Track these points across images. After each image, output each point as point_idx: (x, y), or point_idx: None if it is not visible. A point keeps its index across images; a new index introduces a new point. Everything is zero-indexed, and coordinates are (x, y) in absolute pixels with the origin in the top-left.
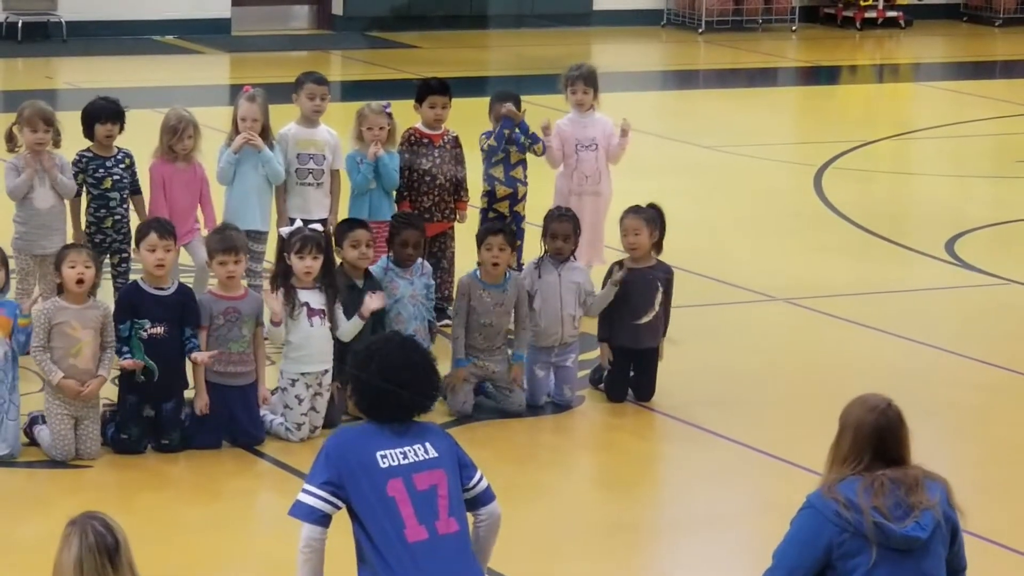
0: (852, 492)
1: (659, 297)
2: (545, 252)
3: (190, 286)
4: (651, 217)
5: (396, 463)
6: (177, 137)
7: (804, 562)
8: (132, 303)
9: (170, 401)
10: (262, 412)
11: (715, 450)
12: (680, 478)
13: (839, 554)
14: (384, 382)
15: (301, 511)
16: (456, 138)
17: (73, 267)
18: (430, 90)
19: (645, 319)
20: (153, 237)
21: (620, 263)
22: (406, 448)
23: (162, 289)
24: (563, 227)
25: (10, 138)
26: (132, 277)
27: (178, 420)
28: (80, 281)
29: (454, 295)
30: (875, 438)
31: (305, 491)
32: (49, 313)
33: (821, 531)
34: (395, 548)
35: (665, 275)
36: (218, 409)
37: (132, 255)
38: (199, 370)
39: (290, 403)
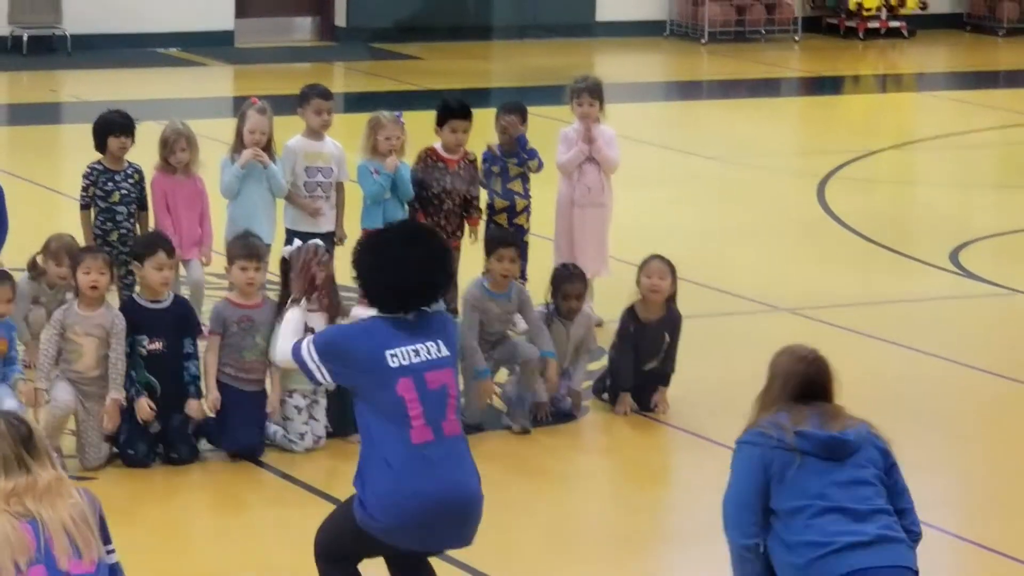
0: (772, 418)
1: (664, 346)
2: (551, 306)
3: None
4: (672, 267)
5: (408, 361)
6: (169, 149)
7: (751, 492)
8: (130, 319)
9: (176, 415)
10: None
11: (720, 460)
12: (685, 488)
13: (774, 474)
14: (389, 273)
15: (300, 358)
16: (472, 162)
17: (88, 273)
18: (452, 113)
19: (650, 366)
20: (162, 256)
21: (632, 311)
22: (418, 345)
23: (158, 302)
24: (575, 288)
25: (33, 267)
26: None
27: (186, 434)
28: (94, 287)
29: (459, 308)
30: (804, 386)
31: (311, 356)
32: (61, 319)
33: (752, 455)
34: (399, 450)
35: (671, 325)
36: (231, 408)
37: (136, 272)
38: (211, 371)
39: (289, 414)
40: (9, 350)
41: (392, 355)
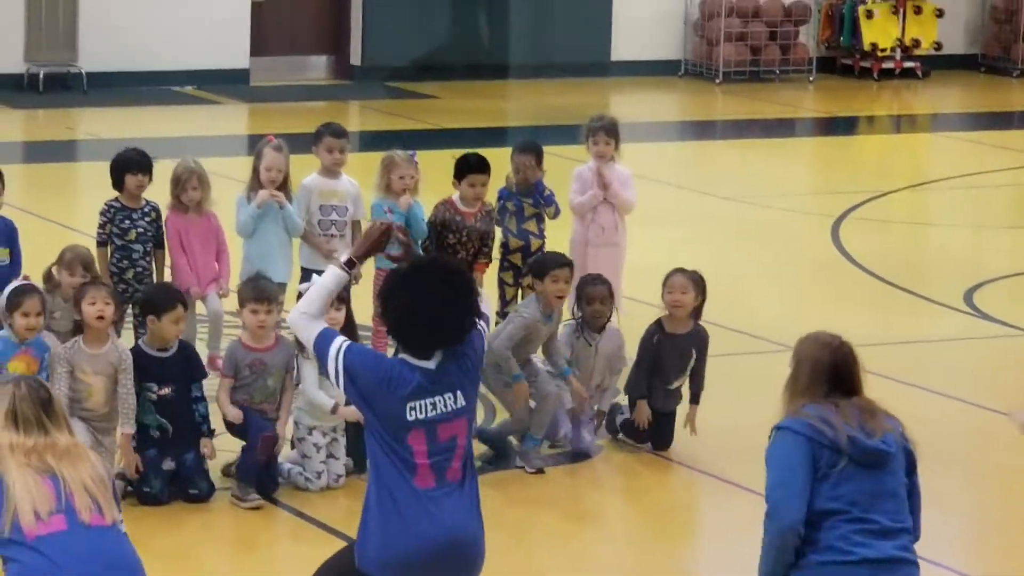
0: (820, 412)
1: (690, 364)
2: (580, 318)
3: (191, 340)
4: (697, 280)
5: (424, 415)
6: (181, 187)
7: (803, 481)
8: (139, 367)
9: (190, 452)
10: (279, 461)
11: (735, 500)
12: (699, 528)
13: (818, 469)
14: (415, 314)
15: (323, 354)
16: (489, 212)
17: (93, 304)
18: (470, 168)
19: (676, 384)
20: (180, 310)
21: (660, 323)
22: (436, 398)
23: (165, 351)
24: (598, 291)
25: (48, 278)
26: None
27: (202, 469)
28: (100, 317)
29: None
30: (831, 371)
31: (338, 362)
32: (69, 358)
33: (802, 446)
34: (403, 492)
35: (698, 341)
36: (248, 415)
37: (149, 324)
38: (224, 402)
39: (308, 452)
40: (39, 371)
41: (411, 407)
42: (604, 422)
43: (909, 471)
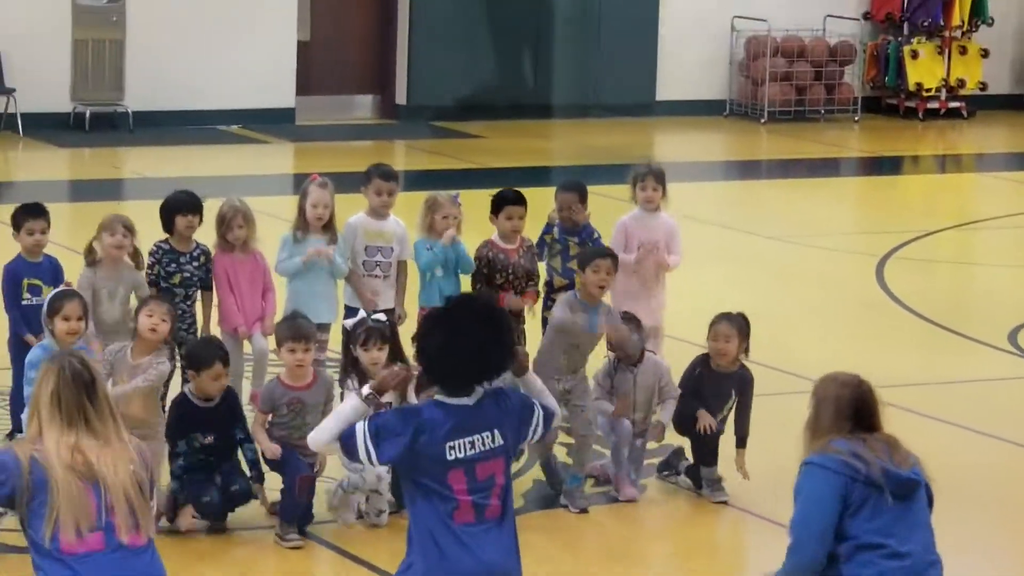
0: (850, 447)
1: (730, 404)
2: (616, 359)
3: (238, 376)
4: (742, 326)
5: (463, 454)
6: (226, 226)
7: (829, 519)
8: (185, 417)
9: (228, 461)
10: (332, 482)
11: (781, 541)
12: (747, 569)
13: (850, 506)
14: (451, 347)
15: (350, 446)
16: (530, 247)
17: (150, 316)
18: (506, 201)
19: (716, 417)
20: (218, 367)
21: (706, 357)
22: (475, 437)
23: (210, 400)
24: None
25: (89, 251)
26: None
27: (239, 470)
28: (154, 330)
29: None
30: (852, 409)
31: (365, 435)
32: (113, 361)
33: (832, 482)
34: (443, 530)
35: (741, 382)
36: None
37: (191, 378)
38: (260, 437)
39: (354, 468)
40: None
41: (451, 447)
42: (657, 464)
43: (927, 505)
